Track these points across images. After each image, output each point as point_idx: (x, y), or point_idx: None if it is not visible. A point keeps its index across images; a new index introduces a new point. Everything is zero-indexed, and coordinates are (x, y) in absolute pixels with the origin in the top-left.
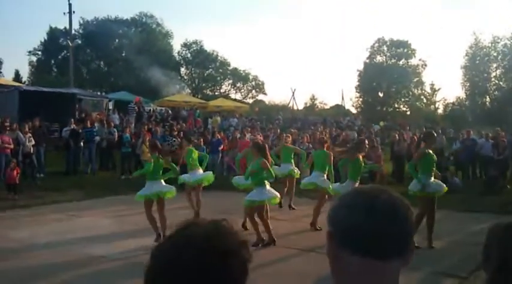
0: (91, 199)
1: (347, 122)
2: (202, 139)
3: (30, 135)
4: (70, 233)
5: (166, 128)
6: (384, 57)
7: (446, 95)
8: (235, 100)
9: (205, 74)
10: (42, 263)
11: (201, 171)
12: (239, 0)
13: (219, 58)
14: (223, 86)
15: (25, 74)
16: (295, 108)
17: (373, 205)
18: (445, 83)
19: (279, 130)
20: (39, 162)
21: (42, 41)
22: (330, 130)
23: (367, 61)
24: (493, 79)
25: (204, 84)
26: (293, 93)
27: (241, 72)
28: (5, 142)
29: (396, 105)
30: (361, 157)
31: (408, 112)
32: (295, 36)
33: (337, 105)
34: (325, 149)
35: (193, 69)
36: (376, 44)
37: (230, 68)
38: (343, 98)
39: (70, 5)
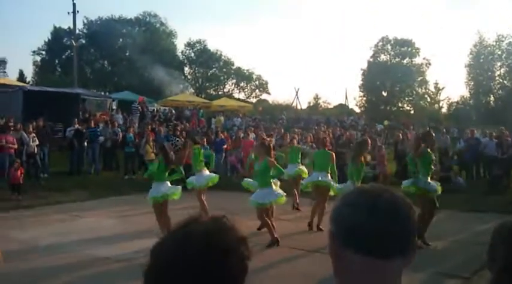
0: (95, 199)
1: (351, 121)
2: (205, 139)
3: (34, 135)
4: (73, 234)
5: (170, 128)
6: (388, 56)
7: (450, 94)
8: (238, 99)
9: (209, 74)
10: (45, 265)
11: (207, 171)
12: (239, 0)
13: (222, 57)
14: (226, 86)
15: (29, 74)
16: (298, 107)
17: (376, 204)
18: (449, 82)
19: (282, 130)
20: (43, 162)
21: (46, 40)
22: (334, 129)
23: (371, 60)
24: (497, 78)
25: (207, 84)
26: (296, 92)
27: (245, 71)
28: (9, 142)
29: (400, 104)
30: (362, 158)
31: (412, 112)
32: (297, 35)
33: (340, 105)
34: (326, 149)
35: (196, 68)
36: (380, 43)
37: (234, 67)
38: (346, 97)
39: (74, 4)
